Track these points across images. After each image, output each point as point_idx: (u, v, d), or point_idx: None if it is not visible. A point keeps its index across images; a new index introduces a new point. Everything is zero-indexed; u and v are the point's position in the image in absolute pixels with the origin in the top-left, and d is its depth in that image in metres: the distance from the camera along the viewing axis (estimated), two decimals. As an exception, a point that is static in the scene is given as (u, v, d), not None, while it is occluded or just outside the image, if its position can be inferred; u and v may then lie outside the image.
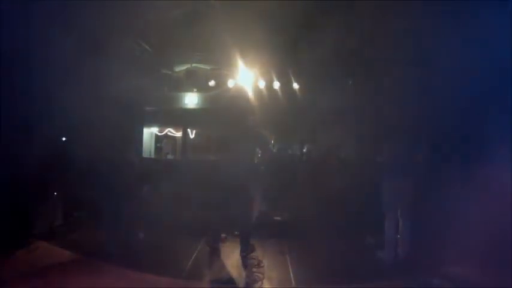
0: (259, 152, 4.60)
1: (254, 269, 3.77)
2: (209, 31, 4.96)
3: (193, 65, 6.78)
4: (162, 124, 8.19)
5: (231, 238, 4.49)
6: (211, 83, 6.71)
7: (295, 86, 6.48)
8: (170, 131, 8.39)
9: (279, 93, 6.48)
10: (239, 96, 6.34)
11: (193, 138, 8.15)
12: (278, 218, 5.46)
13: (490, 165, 3.23)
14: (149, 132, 8.15)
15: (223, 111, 6.02)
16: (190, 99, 7.25)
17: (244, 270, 3.77)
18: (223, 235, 4.40)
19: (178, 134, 8.30)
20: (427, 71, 4.07)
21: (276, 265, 3.94)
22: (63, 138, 4.98)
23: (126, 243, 4.10)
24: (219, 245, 4.19)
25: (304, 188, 5.47)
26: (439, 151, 4.02)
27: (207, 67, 6.84)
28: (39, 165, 4.17)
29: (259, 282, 3.49)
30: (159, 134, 8.37)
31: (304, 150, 7.66)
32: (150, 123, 7.96)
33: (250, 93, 6.39)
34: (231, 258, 4.04)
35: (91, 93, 4.63)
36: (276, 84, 6.47)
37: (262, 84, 6.42)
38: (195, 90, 7.18)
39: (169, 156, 8.32)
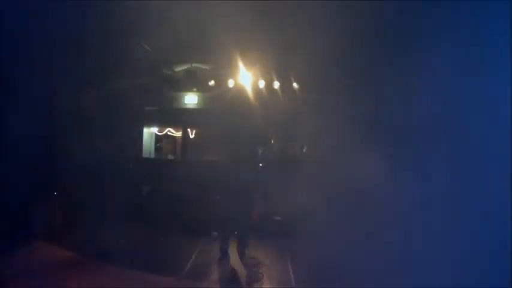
0: (260, 152, 4.61)
1: (254, 269, 3.77)
2: (209, 31, 4.95)
3: (193, 65, 6.77)
4: (162, 124, 8.18)
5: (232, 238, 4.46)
6: (211, 83, 6.70)
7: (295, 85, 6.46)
8: (170, 131, 8.37)
9: (279, 93, 6.47)
10: (239, 96, 6.32)
11: (193, 138, 8.14)
12: (278, 218, 5.45)
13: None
14: (149, 132, 8.15)
15: (223, 111, 6.01)
16: (190, 99, 7.25)
17: (244, 270, 3.77)
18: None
19: (178, 134, 8.28)
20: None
21: (276, 265, 3.95)
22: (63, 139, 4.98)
23: (125, 243, 4.10)
24: (228, 247, 4.14)
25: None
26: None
27: (207, 67, 6.83)
28: (40, 165, 4.18)
29: (259, 282, 3.49)
30: (159, 134, 8.36)
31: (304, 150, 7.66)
32: (150, 123, 7.95)
33: (250, 93, 6.37)
34: (231, 258, 4.04)
35: (91, 93, 4.64)
36: (276, 84, 6.46)
37: (262, 84, 6.41)
38: (195, 90, 7.17)
39: (170, 156, 8.32)
